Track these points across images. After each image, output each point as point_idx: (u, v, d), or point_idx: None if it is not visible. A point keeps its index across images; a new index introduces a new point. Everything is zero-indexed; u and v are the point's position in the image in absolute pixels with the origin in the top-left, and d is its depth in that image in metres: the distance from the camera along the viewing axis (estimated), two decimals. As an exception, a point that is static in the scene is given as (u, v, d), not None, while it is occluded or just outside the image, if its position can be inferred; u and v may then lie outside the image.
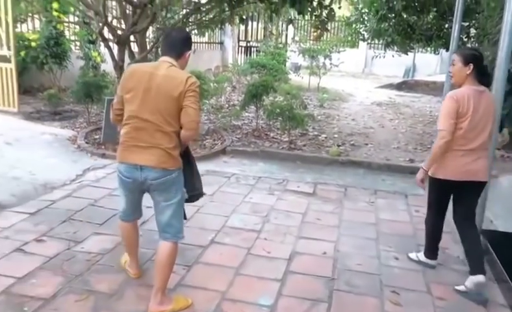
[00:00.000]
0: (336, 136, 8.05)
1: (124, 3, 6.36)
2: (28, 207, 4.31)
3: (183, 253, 3.51)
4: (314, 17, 5.57)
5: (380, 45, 14.23)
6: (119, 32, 6.54)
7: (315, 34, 5.96)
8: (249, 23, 16.86)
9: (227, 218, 4.39)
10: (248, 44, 17.70)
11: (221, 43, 17.25)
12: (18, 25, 10.07)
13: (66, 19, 9.87)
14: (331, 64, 13.35)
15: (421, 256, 3.73)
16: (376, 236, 4.20)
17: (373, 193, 5.35)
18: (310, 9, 5.39)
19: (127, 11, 6.54)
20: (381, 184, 5.78)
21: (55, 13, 9.37)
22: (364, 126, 9.13)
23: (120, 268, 3.36)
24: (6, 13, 7.95)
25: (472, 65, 3.21)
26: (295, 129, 7.30)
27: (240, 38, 17.69)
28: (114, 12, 9.14)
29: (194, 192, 3.22)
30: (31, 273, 3.18)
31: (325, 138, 7.81)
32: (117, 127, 5.56)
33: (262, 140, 7.26)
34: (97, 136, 6.83)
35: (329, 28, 5.62)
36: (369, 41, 13.71)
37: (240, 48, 17.50)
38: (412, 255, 3.79)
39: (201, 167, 5.84)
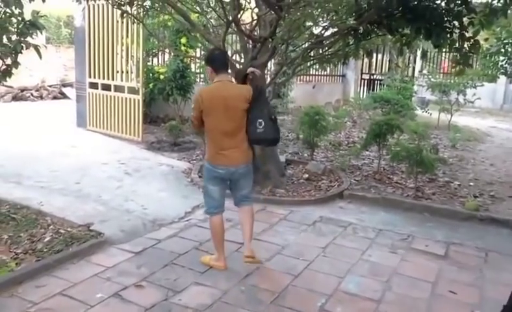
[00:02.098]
0: (471, 184, 6.97)
1: (245, 38, 6.24)
2: (135, 245, 4.21)
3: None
4: (453, 51, 4.83)
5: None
6: (239, 66, 6.41)
7: (454, 69, 5.15)
8: (374, 54, 16.11)
9: (341, 279, 3.81)
10: (371, 77, 16.92)
11: (343, 75, 16.73)
12: (150, 59, 10.74)
13: (193, 54, 10.24)
14: (464, 99, 12.04)
15: None
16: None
17: (524, 262, 4.35)
18: (449, 41, 4.68)
19: (248, 45, 6.41)
20: (534, 251, 4.71)
21: (183, 48, 9.77)
22: (507, 173, 7.84)
23: (204, 265, 3.80)
24: (137, 49, 8.41)
25: None
26: (424, 174, 6.46)
27: (363, 71, 16.99)
28: (235, 46, 9.22)
29: None
30: (124, 326, 2.97)
31: (459, 185, 6.79)
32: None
33: (384, 185, 6.53)
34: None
35: (471, 62, 4.80)
36: (512, 75, 12.10)
37: (362, 81, 16.80)
38: None
39: (315, 212, 5.44)
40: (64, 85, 15.46)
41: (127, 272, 3.70)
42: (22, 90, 14.43)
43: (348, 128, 11.00)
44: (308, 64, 6.17)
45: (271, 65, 9.28)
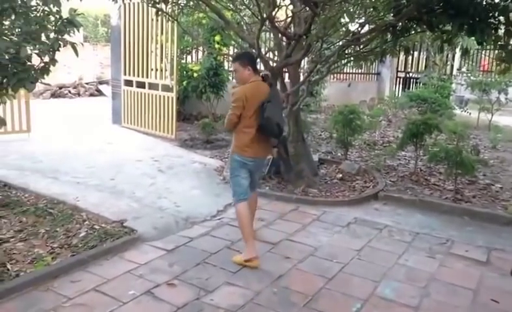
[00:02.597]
0: (514, 187, 6.67)
1: (279, 35, 6.16)
2: (167, 243, 4.21)
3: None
4: (498, 48, 4.59)
5: None
6: (272, 64, 6.35)
7: (499, 67, 4.91)
8: (411, 52, 15.71)
9: (377, 284, 3.69)
10: (407, 75, 16.51)
11: (378, 73, 16.40)
12: (184, 56, 10.81)
13: (226, 51, 10.23)
14: (506, 98, 11.57)
15: None
16: None
17: None
18: (493, 38, 4.46)
19: (282, 43, 6.33)
20: None
21: (217, 46, 9.77)
22: (552, 176, 7.47)
23: (237, 265, 3.84)
24: (172, 47, 8.46)
25: None
26: (464, 176, 6.22)
27: (399, 69, 16.59)
28: (269, 44, 9.16)
29: None
30: (156, 325, 2.95)
31: (500, 188, 6.50)
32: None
33: (420, 186, 6.33)
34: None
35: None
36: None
37: (398, 79, 16.42)
38: None
39: (349, 213, 5.31)
40: (101, 82, 15.80)
41: (159, 270, 3.70)
42: (60, 87, 14.83)
43: (383, 127, 10.75)
44: (344, 61, 6.01)
45: (305, 63, 9.17)
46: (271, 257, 4.06)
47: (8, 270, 3.52)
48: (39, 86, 14.37)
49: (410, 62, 16.78)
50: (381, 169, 7.02)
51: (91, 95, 15.40)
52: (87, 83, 15.79)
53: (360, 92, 14.66)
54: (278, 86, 6.34)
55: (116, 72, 9.69)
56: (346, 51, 5.90)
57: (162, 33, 8.61)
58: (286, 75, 7.30)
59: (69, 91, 15.02)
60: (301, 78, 6.79)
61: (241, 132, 3.93)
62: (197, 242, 4.27)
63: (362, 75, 16.03)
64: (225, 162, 7.10)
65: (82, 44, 3.53)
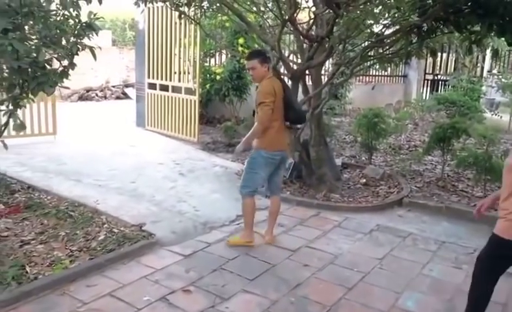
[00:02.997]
0: (548, 194, 6.38)
1: (301, 38, 6.06)
2: (185, 248, 4.17)
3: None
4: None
5: None
6: (294, 66, 6.27)
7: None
8: (438, 54, 15.35)
9: (399, 295, 3.55)
10: (435, 77, 16.14)
11: (405, 76, 16.07)
12: (207, 59, 10.82)
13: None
14: (540, 101, 11.16)
15: None
16: None
17: None
18: (525, 38, 4.27)
19: (304, 45, 6.24)
20: None
21: (240, 49, 9.74)
22: None
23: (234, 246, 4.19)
24: (194, 50, 8.47)
25: None
26: (493, 182, 5.98)
27: (427, 71, 16.22)
28: (292, 47, 9.06)
29: None
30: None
31: (533, 195, 6.23)
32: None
33: (447, 193, 6.11)
34: (265, 173, 6.61)
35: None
36: None
37: (425, 81, 16.06)
38: None
39: (372, 220, 5.17)
40: (127, 85, 16.01)
41: (176, 275, 3.66)
42: (87, 90, 15.10)
43: (409, 131, 10.50)
44: (368, 64, 5.87)
45: (329, 66, 9.05)
46: (289, 265, 3.97)
47: (27, 272, 3.54)
48: (66, 90, 14.72)
49: (438, 64, 16.40)
50: (406, 175, 6.83)
51: (118, 98, 15.61)
52: (113, 86, 16.02)
53: (387, 95, 14.40)
54: (300, 89, 6.26)
55: (140, 75, 9.78)
56: (370, 53, 5.75)
57: (185, 36, 8.63)
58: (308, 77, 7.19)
59: (96, 94, 15.27)
60: (324, 81, 6.68)
61: (269, 127, 4.05)
62: (215, 248, 4.22)
63: (389, 78, 15.73)
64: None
65: (100, 48, 3.52)
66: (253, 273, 3.75)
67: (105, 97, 15.43)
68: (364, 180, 6.49)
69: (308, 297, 3.45)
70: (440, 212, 5.49)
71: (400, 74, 16.07)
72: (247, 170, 4.20)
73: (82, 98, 14.83)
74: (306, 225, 4.91)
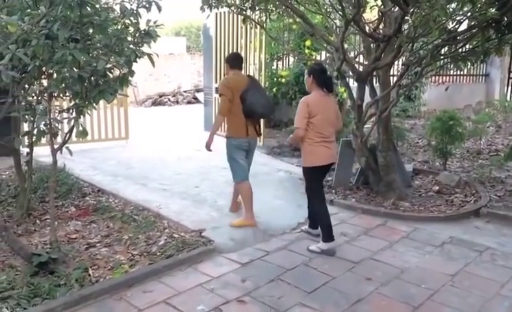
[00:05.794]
0: None
1: (368, 37, 5.78)
2: (242, 255, 4.10)
3: None
4: None
5: None
6: (360, 68, 6.01)
7: None
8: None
9: (472, 317, 3.22)
10: (522, 76, 14.87)
11: (487, 75, 14.98)
12: (274, 63, 10.76)
13: (317, 57, 9.98)
14: None
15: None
16: None
17: None
18: None
19: (371, 45, 5.95)
20: None
21: (307, 51, 9.57)
22: None
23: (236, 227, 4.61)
24: (260, 54, 8.43)
25: None
26: None
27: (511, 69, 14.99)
28: (357, 47, 8.73)
29: None
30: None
31: None
32: (351, 171, 6.24)
33: (533, 203, 5.55)
34: (329, 179, 6.39)
35: None
36: None
37: (510, 80, 14.84)
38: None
39: (444, 231, 4.78)
40: (197, 90, 16.41)
41: (231, 284, 3.59)
42: (160, 96, 15.68)
43: (491, 134, 9.72)
44: (440, 63, 5.46)
45: (398, 67, 8.60)
46: (351, 278, 3.75)
47: (90, 275, 3.65)
48: (141, 95, 15.35)
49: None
50: (485, 182, 6.29)
51: (189, 102, 16.05)
52: (185, 91, 16.50)
53: (466, 96, 13.48)
54: (367, 91, 5.99)
55: (208, 80, 9.92)
56: (442, 52, 5.35)
57: (250, 40, 8.62)
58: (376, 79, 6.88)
59: (169, 99, 15.81)
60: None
61: (231, 118, 4.80)
62: (273, 257, 4.10)
63: (468, 77, 14.74)
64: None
65: (157, 55, 3.54)
66: (311, 285, 3.59)
67: (177, 102, 15.92)
68: (437, 187, 6.06)
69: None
70: (523, 224, 4.97)
71: (481, 73, 15.01)
72: (228, 160, 4.87)
73: (155, 103, 15.42)
74: (371, 235, 4.65)
